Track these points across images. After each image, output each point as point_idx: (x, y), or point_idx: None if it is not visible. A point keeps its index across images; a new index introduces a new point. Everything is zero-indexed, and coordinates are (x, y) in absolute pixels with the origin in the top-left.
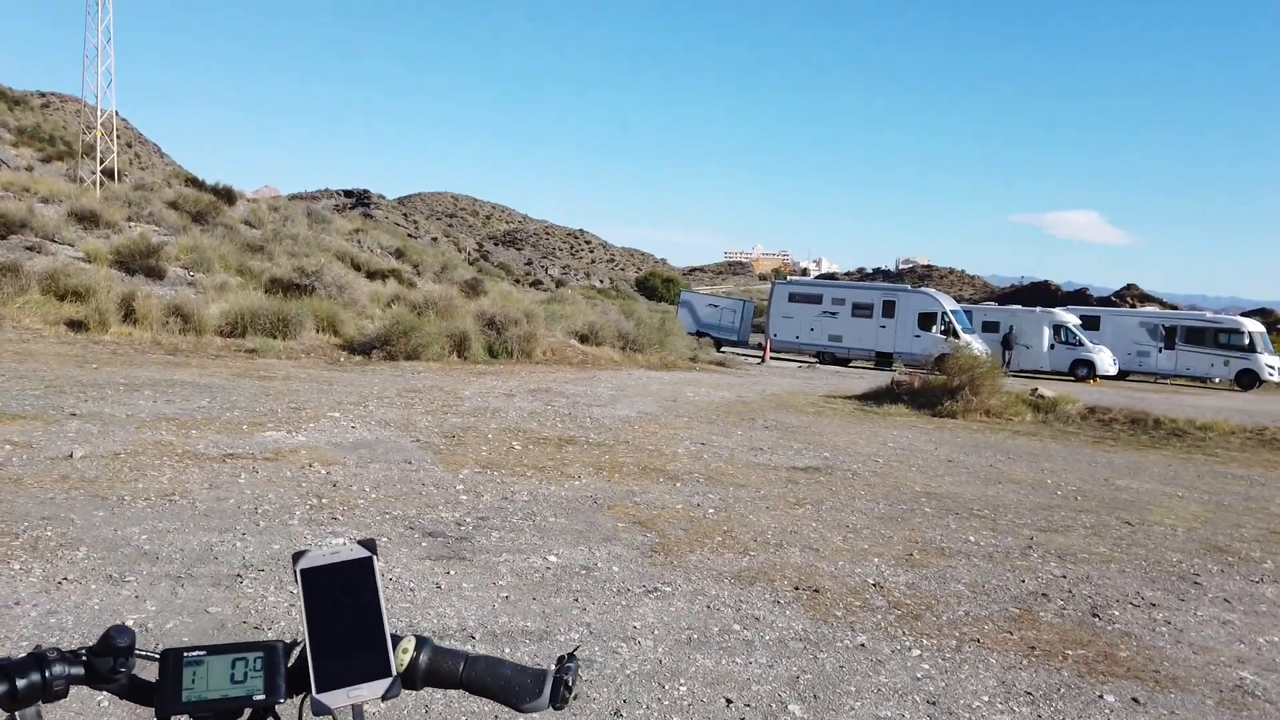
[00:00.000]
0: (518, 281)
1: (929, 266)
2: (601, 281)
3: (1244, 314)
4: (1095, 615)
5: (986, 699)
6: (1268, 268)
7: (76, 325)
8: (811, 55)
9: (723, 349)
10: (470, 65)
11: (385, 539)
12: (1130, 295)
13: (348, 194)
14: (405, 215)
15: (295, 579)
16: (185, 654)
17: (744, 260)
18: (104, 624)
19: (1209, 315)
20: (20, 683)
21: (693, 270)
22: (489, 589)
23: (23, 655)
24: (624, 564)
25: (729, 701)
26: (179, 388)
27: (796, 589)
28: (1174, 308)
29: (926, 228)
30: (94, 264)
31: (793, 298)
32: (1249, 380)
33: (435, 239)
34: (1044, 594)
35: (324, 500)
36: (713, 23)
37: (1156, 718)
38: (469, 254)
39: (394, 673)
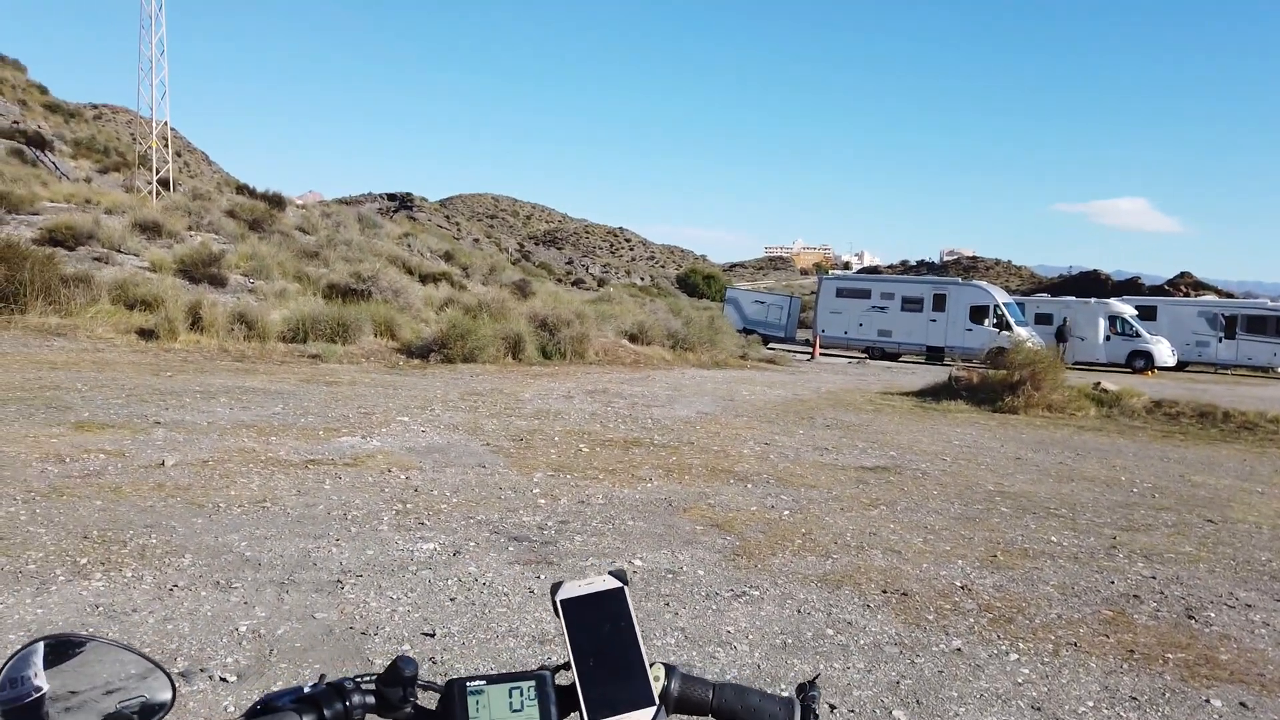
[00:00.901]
0: (560, 281)
1: (974, 258)
2: (642, 279)
3: None
4: (1191, 617)
5: (1091, 704)
6: None
7: (147, 334)
8: (847, 51)
9: (770, 345)
10: (504, 67)
11: (473, 543)
12: (1184, 283)
13: (390, 197)
14: (447, 217)
15: (556, 610)
16: (468, 684)
17: (784, 255)
18: (219, 629)
19: (1270, 303)
20: (327, 713)
21: (733, 266)
22: None
23: (322, 685)
24: (708, 567)
25: (832, 708)
26: (252, 394)
27: (884, 592)
28: (1230, 295)
29: (969, 219)
30: (159, 273)
31: (840, 293)
32: None
33: (478, 240)
34: (1135, 595)
35: (408, 505)
36: (746, 21)
37: None
38: (511, 254)
39: (656, 701)
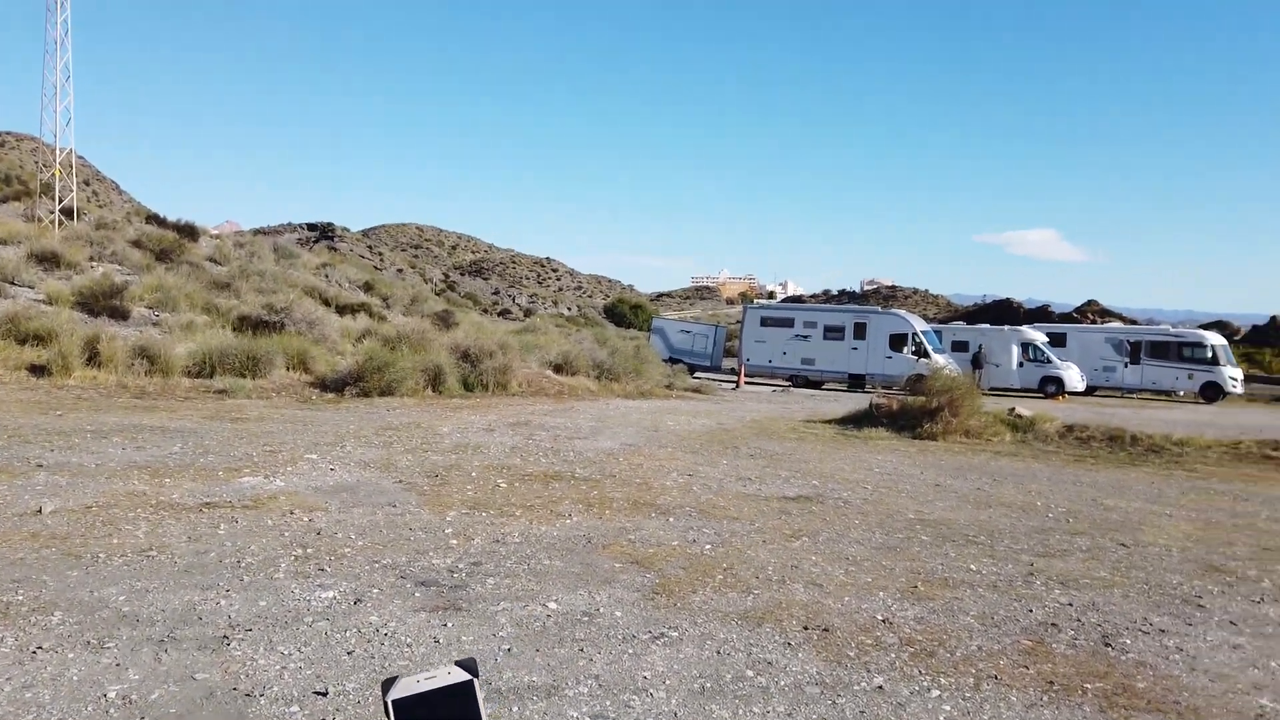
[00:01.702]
0: (486, 311)
1: (894, 287)
2: (570, 309)
3: (1201, 326)
4: (1108, 644)
5: None
6: (1221, 279)
7: (39, 370)
8: (773, 78)
9: (696, 375)
10: (428, 94)
11: (376, 590)
12: (1090, 310)
13: (311, 227)
14: (370, 247)
15: (387, 712)
16: None
17: (711, 285)
18: (84, 696)
19: (1172, 329)
20: None
21: (660, 295)
22: (490, 641)
23: None
24: (626, 608)
25: None
26: (149, 433)
27: (806, 628)
28: (1134, 322)
29: (890, 249)
30: (55, 306)
31: (765, 322)
32: (1213, 393)
33: (401, 271)
34: (1054, 624)
35: (309, 550)
36: (671, 52)
37: None
38: (436, 285)
39: None
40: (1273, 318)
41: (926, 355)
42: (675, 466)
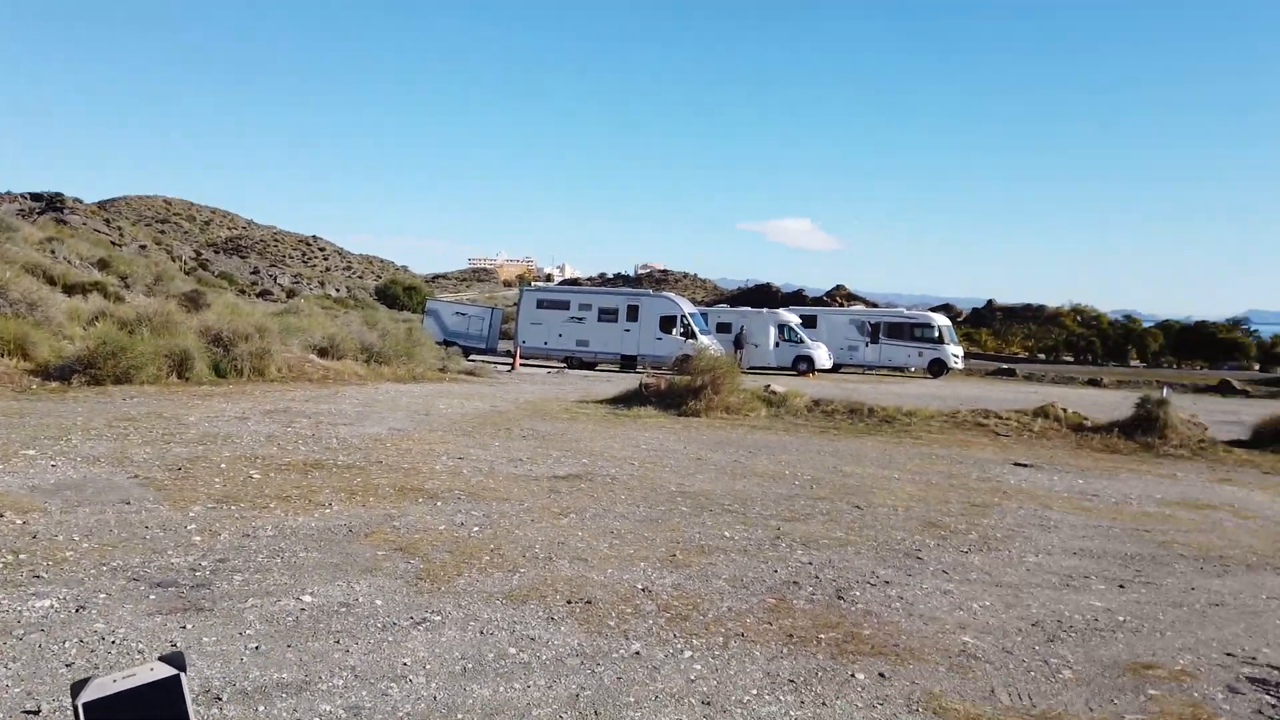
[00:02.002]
0: (243, 292)
1: (665, 271)
2: (338, 290)
3: (931, 309)
4: (841, 597)
5: (755, 692)
6: (946, 267)
7: None
8: (554, 62)
9: (471, 358)
10: (175, 54)
11: (103, 595)
12: (839, 295)
13: (35, 197)
14: (107, 221)
15: (77, 716)
16: None
17: (488, 266)
18: None
19: (905, 311)
20: None
21: (436, 277)
22: (235, 640)
23: None
24: (388, 596)
25: None
26: None
27: (569, 603)
28: (876, 305)
29: (663, 235)
30: None
31: (541, 304)
32: (939, 368)
33: (144, 247)
34: (795, 582)
35: (22, 556)
36: (430, 26)
37: (901, 690)
38: (185, 263)
39: None
40: (989, 302)
41: (694, 336)
42: (445, 450)
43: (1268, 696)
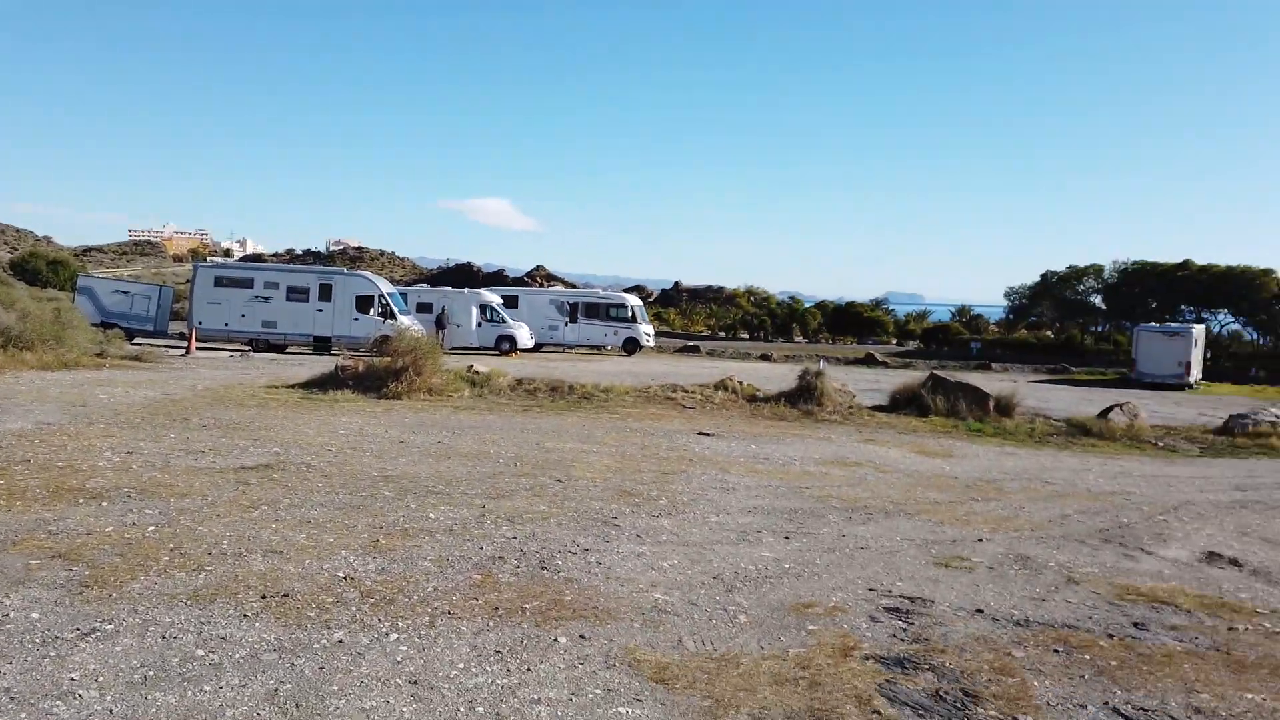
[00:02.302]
0: None
1: (360, 249)
2: None
3: (624, 290)
4: (544, 568)
5: (463, 666)
6: (638, 250)
7: None
8: (237, 18)
9: (136, 341)
10: None
11: None
12: (539, 275)
13: None
14: None
15: None
16: None
17: (154, 240)
18: None
19: (601, 293)
20: None
21: (88, 250)
22: None
23: None
24: (46, 608)
25: None
26: None
27: (264, 597)
28: (574, 286)
29: (357, 211)
30: None
31: (220, 282)
32: (632, 346)
33: None
34: (501, 556)
35: None
36: None
37: (600, 648)
38: None
39: None
40: (676, 284)
41: (393, 316)
42: (110, 445)
43: (899, 622)
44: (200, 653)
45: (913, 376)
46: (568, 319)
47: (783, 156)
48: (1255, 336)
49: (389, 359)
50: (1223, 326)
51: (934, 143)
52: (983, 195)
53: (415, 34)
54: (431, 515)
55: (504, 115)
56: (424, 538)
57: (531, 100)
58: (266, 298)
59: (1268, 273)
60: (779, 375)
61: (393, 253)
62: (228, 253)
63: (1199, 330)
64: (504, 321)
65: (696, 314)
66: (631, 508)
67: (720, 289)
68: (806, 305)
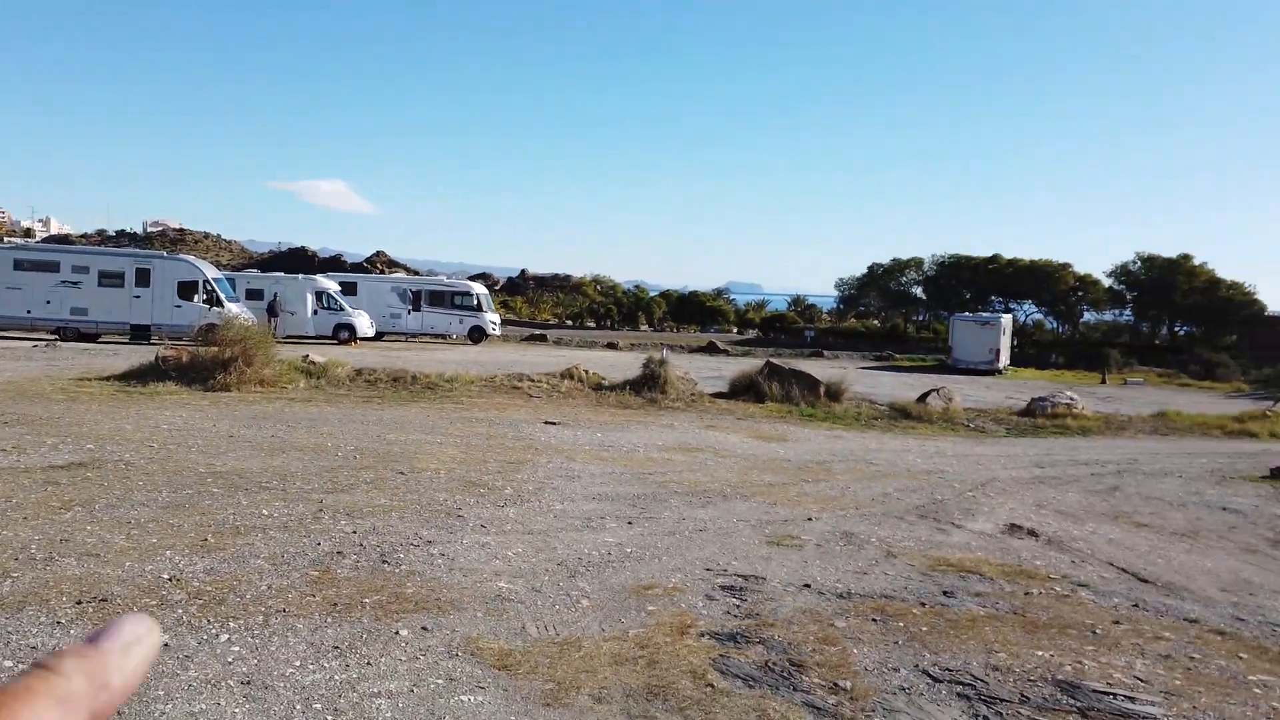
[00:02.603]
0: None
1: (182, 230)
2: None
3: (470, 278)
4: (385, 561)
5: (299, 664)
6: (484, 236)
7: None
8: None
9: None
10: None
11: None
12: (380, 261)
13: None
14: None
15: None
16: None
17: None
18: None
19: (445, 279)
20: None
21: None
22: None
23: None
24: None
25: None
26: None
27: (79, 603)
28: (417, 273)
29: (178, 190)
30: None
31: (20, 265)
32: (478, 335)
33: None
34: (339, 552)
35: None
36: None
37: (442, 639)
38: None
39: None
40: (522, 271)
41: (220, 304)
42: None
43: (733, 599)
44: (8, 664)
45: (751, 364)
46: (410, 307)
47: (628, 145)
48: (1055, 325)
49: (216, 349)
50: (1028, 316)
51: (769, 134)
52: (817, 189)
53: (241, 2)
54: (265, 512)
55: (338, 91)
56: (257, 535)
57: (368, 76)
58: (75, 282)
59: (1065, 267)
60: (625, 363)
61: (218, 235)
62: (28, 233)
63: (1006, 320)
64: (342, 309)
65: (544, 302)
66: (476, 498)
67: (567, 277)
68: (652, 294)
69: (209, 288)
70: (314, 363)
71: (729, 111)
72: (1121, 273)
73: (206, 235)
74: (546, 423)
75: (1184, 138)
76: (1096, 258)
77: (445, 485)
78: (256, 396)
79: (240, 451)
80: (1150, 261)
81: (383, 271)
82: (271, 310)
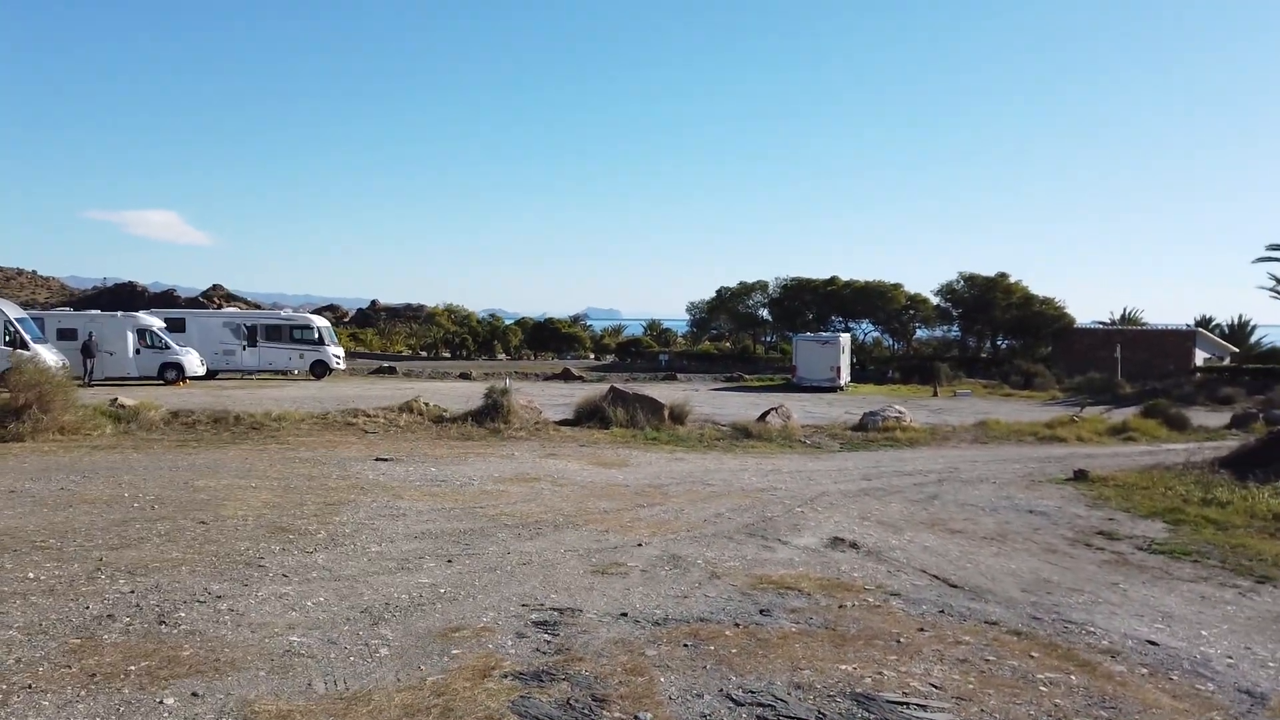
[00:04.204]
0: None
1: None
2: None
3: (316, 310)
4: (163, 623)
5: None
6: (331, 267)
7: None
8: None
9: None
10: None
11: None
12: (217, 295)
13: None
14: None
15: None
16: None
17: None
18: None
19: (285, 313)
20: None
21: None
22: None
23: None
24: None
25: None
26: None
27: None
28: (259, 306)
29: None
30: None
31: None
32: (321, 370)
33: None
34: (110, 615)
35: None
36: None
37: (214, 705)
38: None
39: None
40: (373, 302)
41: (25, 346)
42: None
43: (545, 635)
44: None
45: (597, 390)
46: (246, 343)
47: (482, 172)
48: (891, 342)
49: (9, 394)
50: (866, 334)
51: (624, 161)
52: (671, 215)
53: (55, 17)
54: (30, 575)
55: (163, 115)
56: (14, 602)
57: (198, 99)
58: None
59: (897, 287)
60: (475, 393)
61: (34, 272)
62: None
63: (845, 338)
64: (168, 347)
65: (396, 333)
66: (283, 545)
67: (420, 307)
68: (508, 322)
69: (11, 329)
70: (123, 406)
71: (582, 138)
72: (947, 291)
73: (20, 272)
74: (378, 459)
75: (1000, 159)
76: (926, 277)
77: (250, 533)
78: (53, 446)
79: (19, 508)
80: (972, 280)
81: (220, 306)
82: (87, 351)
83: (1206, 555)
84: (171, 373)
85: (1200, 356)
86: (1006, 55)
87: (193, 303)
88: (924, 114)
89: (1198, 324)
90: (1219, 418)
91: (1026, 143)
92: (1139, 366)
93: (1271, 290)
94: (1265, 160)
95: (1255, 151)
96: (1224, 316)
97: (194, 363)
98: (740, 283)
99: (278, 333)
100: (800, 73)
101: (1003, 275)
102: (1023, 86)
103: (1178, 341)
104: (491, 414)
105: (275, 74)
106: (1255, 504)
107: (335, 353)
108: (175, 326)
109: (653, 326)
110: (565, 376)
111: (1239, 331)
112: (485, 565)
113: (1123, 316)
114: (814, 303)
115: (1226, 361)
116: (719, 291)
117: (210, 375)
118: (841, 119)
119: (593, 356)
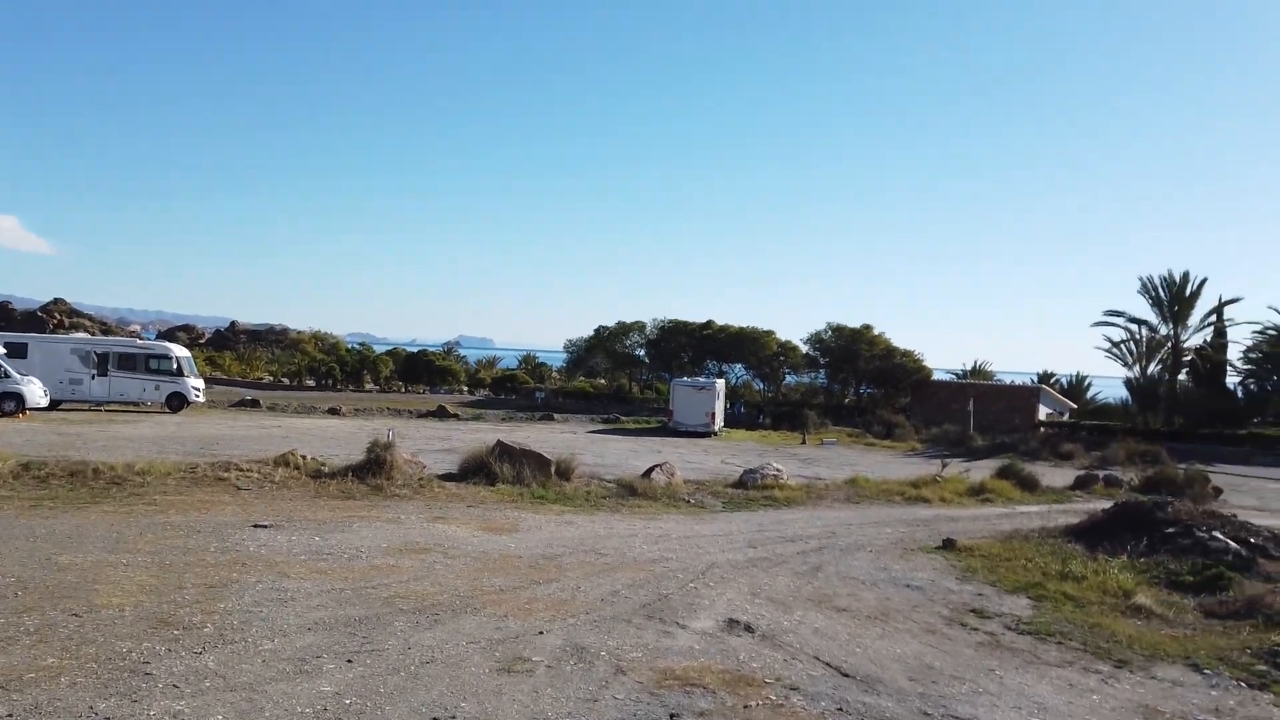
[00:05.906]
0: None
1: None
2: None
3: (170, 329)
4: None
5: None
6: (186, 282)
7: None
8: None
9: None
10: None
11: None
12: (58, 310)
13: None
14: None
15: None
16: None
17: None
18: None
19: (140, 341)
20: None
21: None
22: None
23: None
24: None
25: None
26: None
27: None
28: (105, 323)
29: None
30: None
31: None
32: (178, 402)
33: None
34: None
35: None
36: None
37: None
38: None
39: None
40: (232, 323)
41: None
42: None
43: None
44: None
45: (482, 442)
46: (96, 371)
47: (349, 189)
48: (762, 386)
49: None
50: (738, 378)
51: (499, 188)
52: (548, 249)
53: None
54: None
55: (3, 112)
56: None
57: (44, 98)
58: None
59: (769, 334)
60: (348, 435)
61: None
62: None
63: (720, 384)
64: (8, 375)
65: (257, 358)
66: (168, 645)
67: (284, 330)
68: (378, 351)
69: None
70: None
71: (455, 161)
72: (816, 340)
73: None
74: (256, 525)
75: (866, 209)
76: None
77: (130, 628)
78: None
79: None
80: (839, 330)
81: (62, 321)
82: None
83: (1069, 635)
84: (10, 404)
85: (1044, 411)
86: (873, 108)
87: (30, 317)
88: (796, 160)
89: (1041, 379)
90: (1064, 475)
91: (888, 193)
92: (990, 418)
93: (1107, 352)
94: (1102, 225)
95: (1094, 217)
96: (1064, 369)
97: (36, 393)
98: (619, 322)
99: (132, 361)
100: (678, 118)
101: (867, 327)
102: (889, 136)
103: (1024, 397)
104: (374, 469)
105: (126, 75)
106: (1106, 579)
107: (195, 384)
108: (16, 352)
109: (528, 360)
110: (441, 414)
111: (1077, 387)
112: (388, 666)
113: (973, 369)
114: (690, 345)
115: (1066, 417)
116: (598, 330)
117: (53, 405)
118: (722, 164)
119: (467, 390)
